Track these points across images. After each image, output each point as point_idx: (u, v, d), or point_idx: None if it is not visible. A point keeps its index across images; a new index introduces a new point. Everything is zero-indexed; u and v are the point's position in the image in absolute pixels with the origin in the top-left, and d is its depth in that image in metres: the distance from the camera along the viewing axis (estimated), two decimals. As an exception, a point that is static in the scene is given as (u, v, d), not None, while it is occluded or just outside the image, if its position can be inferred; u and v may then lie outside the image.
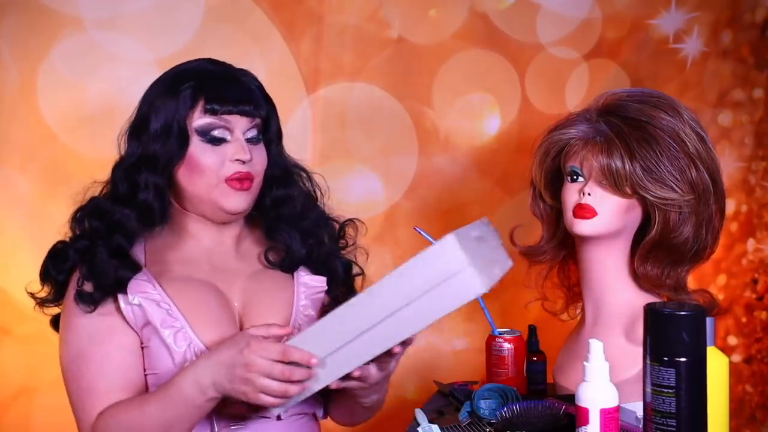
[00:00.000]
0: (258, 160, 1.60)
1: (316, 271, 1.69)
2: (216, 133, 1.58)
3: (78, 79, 2.09)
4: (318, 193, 1.72)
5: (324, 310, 1.66)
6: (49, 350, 2.04)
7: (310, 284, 1.67)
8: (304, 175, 1.72)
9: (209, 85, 1.58)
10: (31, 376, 2.11)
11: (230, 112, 1.58)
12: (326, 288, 1.69)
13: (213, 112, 1.57)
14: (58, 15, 2.07)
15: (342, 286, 1.71)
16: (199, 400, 1.45)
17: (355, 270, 1.74)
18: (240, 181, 1.57)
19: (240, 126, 1.58)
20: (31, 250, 2.06)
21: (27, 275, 1.99)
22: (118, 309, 1.54)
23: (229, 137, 1.58)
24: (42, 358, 2.08)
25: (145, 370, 1.56)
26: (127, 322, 1.55)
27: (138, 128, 1.60)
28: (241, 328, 1.59)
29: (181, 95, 1.58)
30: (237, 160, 1.57)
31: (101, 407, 1.51)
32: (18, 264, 2.07)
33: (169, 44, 2.11)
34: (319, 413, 1.69)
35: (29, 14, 2.06)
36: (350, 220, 1.74)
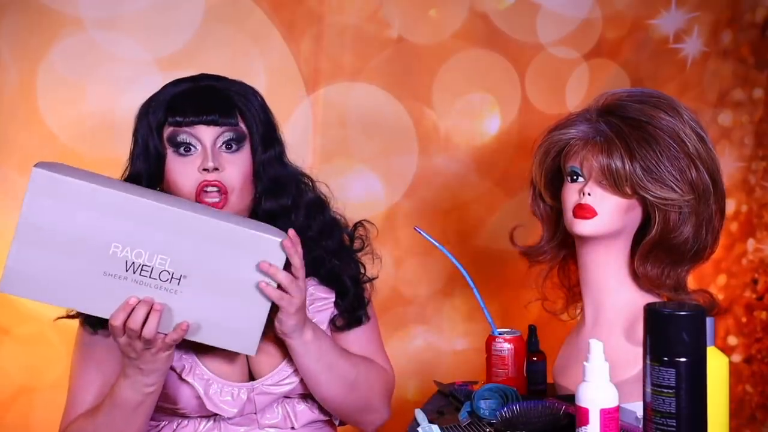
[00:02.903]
0: (233, 170, 1.57)
1: (324, 282, 1.68)
2: (182, 143, 1.57)
3: (78, 79, 2.09)
4: (323, 201, 1.70)
5: (332, 320, 1.67)
6: (49, 350, 2.05)
7: (317, 295, 1.66)
8: (308, 183, 1.69)
9: (173, 100, 1.59)
10: (31, 376, 2.11)
11: (194, 122, 1.57)
12: (334, 300, 1.68)
13: (177, 124, 1.57)
14: (57, 15, 2.06)
15: (352, 298, 1.69)
16: (137, 396, 1.49)
17: (366, 276, 1.72)
18: (208, 192, 1.55)
19: (208, 135, 1.57)
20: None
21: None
22: None
23: (198, 146, 1.57)
24: (42, 358, 2.08)
25: None
26: None
27: (130, 151, 1.64)
28: None
29: (152, 115, 1.59)
30: (204, 169, 1.55)
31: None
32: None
33: (168, 44, 2.11)
34: (336, 419, 1.70)
35: (29, 14, 2.06)
36: (360, 223, 1.73)
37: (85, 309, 1.48)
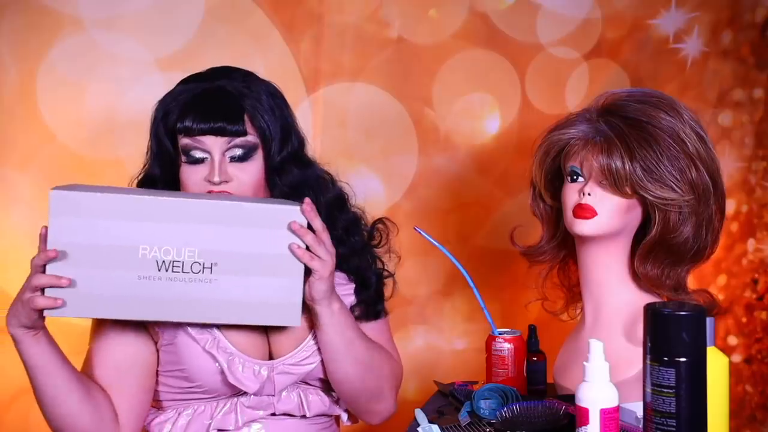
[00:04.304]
0: (244, 179, 1.59)
1: (346, 273, 1.70)
2: (194, 153, 1.59)
3: (78, 79, 2.09)
4: (343, 198, 1.71)
5: (350, 310, 1.67)
6: (49, 350, 2.03)
7: (338, 281, 1.67)
8: (327, 179, 1.70)
9: (185, 107, 1.59)
10: (31, 376, 2.10)
11: (203, 132, 1.58)
12: (354, 289, 1.70)
13: (187, 133, 1.59)
14: (58, 15, 2.07)
15: (373, 292, 1.72)
16: (17, 346, 1.52)
17: (387, 272, 1.75)
18: None
19: (217, 146, 1.58)
20: (31, 250, 2.06)
21: (27, 275, 1.99)
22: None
23: (208, 157, 1.59)
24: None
25: (167, 372, 1.61)
26: (147, 332, 1.61)
27: (148, 147, 1.66)
28: (266, 328, 1.63)
29: (165, 118, 1.61)
30: (208, 181, 1.57)
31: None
32: (18, 264, 2.06)
33: (169, 44, 2.11)
34: (344, 417, 1.71)
35: (29, 14, 2.06)
36: (380, 220, 1.75)
37: (128, 316, 1.51)
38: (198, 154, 1.58)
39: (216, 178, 1.56)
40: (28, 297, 1.45)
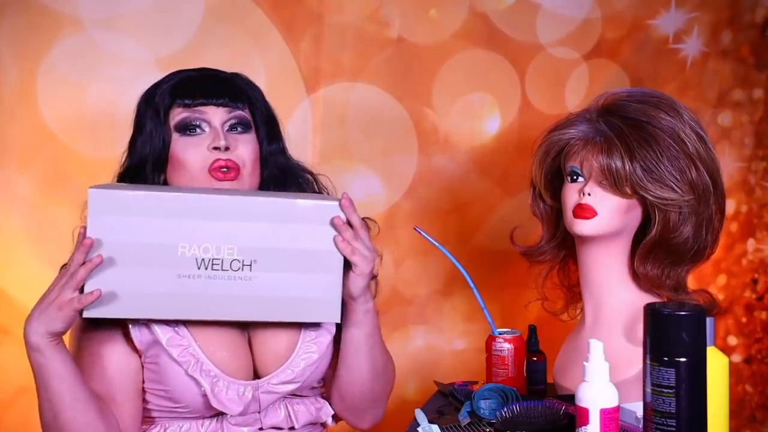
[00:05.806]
0: (243, 150, 1.59)
1: None
2: (193, 122, 1.58)
3: (78, 79, 2.09)
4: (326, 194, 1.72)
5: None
6: (49, 350, 2.03)
7: None
8: (309, 177, 1.71)
9: (181, 83, 1.60)
10: (31, 376, 2.09)
11: (203, 104, 1.58)
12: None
13: (186, 106, 1.59)
14: (58, 15, 2.06)
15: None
16: (38, 356, 1.47)
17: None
18: (223, 171, 1.56)
19: (218, 116, 1.59)
20: (31, 250, 2.07)
21: (27, 275, 1.99)
22: (125, 332, 1.56)
23: (206, 128, 1.59)
24: (42, 358, 2.08)
25: (150, 389, 1.58)
26: (132, 345, 1.57)
27: (130, 142, 1.65)
28: (250, 345, 1.62)
29: (158, 99, 1.60)
30: (214, 148, 1.56)
31: None
32: (18, 264, 2.07)
33: (169, 44, 2.11)
34: (329, 421, 1.70)
35: (29, 14, 2.06)
36: (362, 219, 1.74)
37: (168, 316, 1.49)
38: (197, 123, 1.58)
39: (222, 142, 1.56)
40: (69, 297, 1.42)
